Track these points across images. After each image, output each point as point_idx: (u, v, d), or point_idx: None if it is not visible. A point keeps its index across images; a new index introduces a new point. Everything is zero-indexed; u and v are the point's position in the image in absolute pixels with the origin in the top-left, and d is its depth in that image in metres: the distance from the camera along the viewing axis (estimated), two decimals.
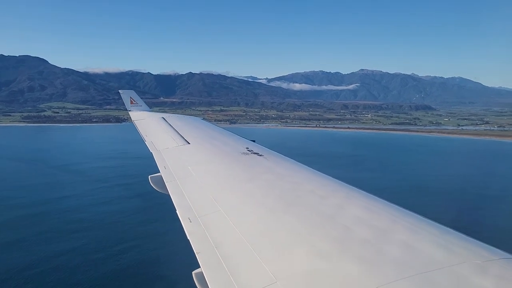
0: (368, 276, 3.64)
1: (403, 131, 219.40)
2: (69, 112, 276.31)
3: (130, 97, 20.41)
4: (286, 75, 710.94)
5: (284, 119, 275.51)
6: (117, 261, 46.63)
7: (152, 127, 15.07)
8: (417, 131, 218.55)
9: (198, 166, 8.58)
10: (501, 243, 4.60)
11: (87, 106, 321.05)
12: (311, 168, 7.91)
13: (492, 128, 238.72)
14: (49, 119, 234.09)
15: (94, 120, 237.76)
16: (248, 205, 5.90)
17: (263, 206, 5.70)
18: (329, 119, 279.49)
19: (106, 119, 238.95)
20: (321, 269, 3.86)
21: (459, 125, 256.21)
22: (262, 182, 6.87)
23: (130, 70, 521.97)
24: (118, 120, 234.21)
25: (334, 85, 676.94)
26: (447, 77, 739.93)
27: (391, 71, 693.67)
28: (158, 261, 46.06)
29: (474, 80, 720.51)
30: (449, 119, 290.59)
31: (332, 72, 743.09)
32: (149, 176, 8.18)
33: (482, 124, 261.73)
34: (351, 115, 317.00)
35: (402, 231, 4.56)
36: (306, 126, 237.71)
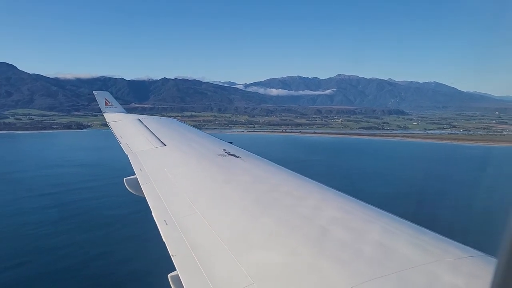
0: (344, 276, 3.68)
1: (368, 135, 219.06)
2: (32, 119, 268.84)
3: (105, 99, 20.25)
4: (264, 81, 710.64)
5: (252, 124, 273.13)
6: None
7: (128, 129, 14.95)
8: (382, 136, 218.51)
9: (174, 168, 8.58)
10: None
11: (53, 113, 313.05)
12: (288, 170, 7.85)
13: (457, 132, 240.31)
14: (8, 126, 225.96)
15: (55, 127, 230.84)
16: (225, 207, 5.98)
17: (240, 208, 5.77)
18: (299, 124, 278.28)
19: (68, 126, 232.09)
20: (298, 270, 3.89)
21: (426, 129, 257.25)
22: (239, 183, 6.92)
23: (103, 76, 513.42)
24: (80, 126, 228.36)
25: (311, 90, 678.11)
26: (423, 82, 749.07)
27: (368, 76, 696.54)
28: (39, 278, 42.79)
29: (449, 85, 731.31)
30: (418, 123, 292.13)
31: (309, 77, 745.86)
32: (124, 179, 8.13)
33: (448, 128, 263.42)
34: (322, 120, 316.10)
35: (377, 231, 4.62)
36: (272, 131, 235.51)
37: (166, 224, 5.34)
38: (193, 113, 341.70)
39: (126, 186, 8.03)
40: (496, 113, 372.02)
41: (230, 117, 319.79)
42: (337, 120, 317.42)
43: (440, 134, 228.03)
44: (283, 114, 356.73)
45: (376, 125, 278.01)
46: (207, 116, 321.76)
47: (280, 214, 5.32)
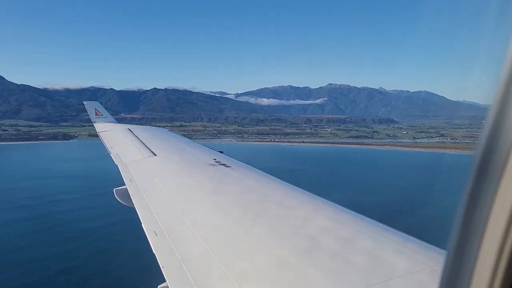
0: (333, 286, 3.71)
1: (357, 144, 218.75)
2: (19, 130, 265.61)
3: (95, 109, 20.14)
4: (255, 90, 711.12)
5: (241, 134, 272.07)
6: None
7: (118, 139, 14.94)
8: (371, 144, 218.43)
9: (164, 178, 8.55)
10: None
11: (41, 123, 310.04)
12: (278, 179, 7.91)
13: (445, 140, 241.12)
14: None
15: (41, 137, 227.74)
16: (215, 217, 5.99)
17: (231, 218, 5.79)
18: (288, 133, 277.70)
19: (54, 137, 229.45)
20: (288, 280, 3.90)
21: (414, 138, 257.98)
22: (230, 193, 7.01)
23: (92, 86, 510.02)
24: (66, 137, 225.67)
25: (302, 100, 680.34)
26: (413, 91, 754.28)
27: (359, 85, 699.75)
28: None
29: (439, 94, 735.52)
30: (408, 132, 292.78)
31: (301, 86, 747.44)
32: (114, 189, 8.02)
33: (437, 136, 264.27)
34: (311, 129, 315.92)
35: (366, 240, 4.71)
36: (261, 141, 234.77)
37: (156, 235, 5.29)
38: (183, 123, 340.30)
39: (116, 196, 7.92)
40: (482, 121, 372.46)
41: (219, 127, 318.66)
42: (326, 129, 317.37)
43: (428, 142, 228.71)
44: (273, 124, 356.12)
45: (365, 134, 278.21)
46: (197, 126, 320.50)
47: (270, 224, 5.34)
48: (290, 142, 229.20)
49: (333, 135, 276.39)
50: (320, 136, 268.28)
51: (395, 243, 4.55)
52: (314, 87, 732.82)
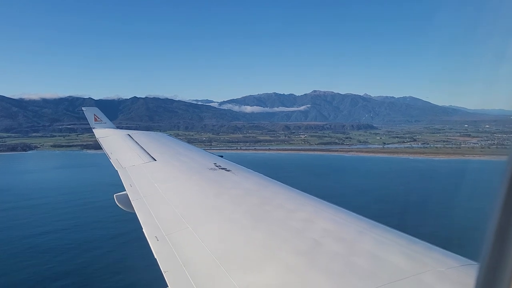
0: None
1: (322, 151, 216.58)
2: None
3: (94, 115, 20.19)
4: (239, 98, 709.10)
5: (211, 142, 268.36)
6: None
7: (117, 145, 14.96)
8: (336, 151, 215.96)
9: (165, 183, 8.51)
10: None
11: (10, 134, 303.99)
12: (279, 182, 7.88)
13: (414, 145, 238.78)
14: None
15: (0, 149, 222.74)
16: (216, 222, 5.98)
17: (232, 222, 5.78)
18: (259, 141, 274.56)
19: (13, 148, 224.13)
20: (291, 283, 3.89)
21: (384, 143, 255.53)
22: (230, 197, 6.95)
23: (70, 96, 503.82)
24: (25, 148, 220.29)
25: (286, 107, 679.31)
26: (398, 96, 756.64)
27: (344, 92, 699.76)
28: None
29: (424, 99, 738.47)
30: (381, 138, 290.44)
31: (286, 94, 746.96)
32: (114, 195, 8.05)
33: (409, 142, 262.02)
34: (285, 136, 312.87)
35: (369, 242, 4.65)
36: (227, 149, 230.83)
37: (157, 240, 5.32)
38: (158, 132, 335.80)
39: (117, 202, 7.86)
40: (465, 126, 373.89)
41: (193, 135, 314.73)
42: (301, 136, 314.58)
43: (395, 148, 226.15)
44: (249, 131, 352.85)
45: (337, 140, 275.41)
46: (171, 134, 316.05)
47: (272, 227, 5.32)
48: (256, 150, 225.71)
49: (304, 141, 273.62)
50: (291, 143, 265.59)
51: (398, 245, 4.53)
52: (299, 94, 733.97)
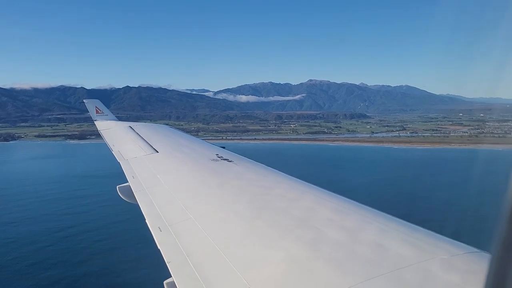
0: (340, 277, 3.71)
1: (309, 140, 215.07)
2: None
3: (96, 107, 20.10)
4: (234, 87, 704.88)
5: (198, 131, 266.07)
6: None
7: (119, 137, 15.14)
8: (323, 140, 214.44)
9: (167, 175, 8.55)
10: None
11: None
12: (281, 172, 7.85)
13: (401, 134, 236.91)
14: None
15: None
16: (219, 212, 6.02)
17: (234, 212, 5.80)
18: (248, 130, 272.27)
19: None
20: (294, 272, 3.91)
21: (372, 132, 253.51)
22: (233, 188, 6.94)
23: (62, 85, 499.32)
24: (7, 138, 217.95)
25: (282, 96, 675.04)
26: (395, 85, 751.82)
27: (340, 81, 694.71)
28: None
29: (421, 88, 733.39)
30: (371, 127, 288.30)
31: (282, 83, 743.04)
32: (117, 186, 8.07)
33: (398, 130, 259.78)
34: (275, 126, 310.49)
35: (372, 231, 4.68)
36: (213, 139, 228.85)
37: (161, 231, 5.36)
38: (149, 122, 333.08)
39: (119, 193, 7.92)
40: (460, 114, 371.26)
41: (183, 125, 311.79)
42: (291, 125, 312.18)
43: (382, 137, 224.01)
44: (240, 121, 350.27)
45: (325, 130, 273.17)
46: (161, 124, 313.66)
47: (274, 216, 5.33)
48: (242, 139, 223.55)
49: (293, 131, 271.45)
50: (279, 133, 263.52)
51: (401, 233, 4.53)
52: (295, 84, 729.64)
